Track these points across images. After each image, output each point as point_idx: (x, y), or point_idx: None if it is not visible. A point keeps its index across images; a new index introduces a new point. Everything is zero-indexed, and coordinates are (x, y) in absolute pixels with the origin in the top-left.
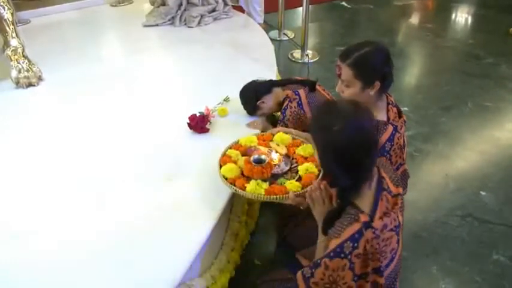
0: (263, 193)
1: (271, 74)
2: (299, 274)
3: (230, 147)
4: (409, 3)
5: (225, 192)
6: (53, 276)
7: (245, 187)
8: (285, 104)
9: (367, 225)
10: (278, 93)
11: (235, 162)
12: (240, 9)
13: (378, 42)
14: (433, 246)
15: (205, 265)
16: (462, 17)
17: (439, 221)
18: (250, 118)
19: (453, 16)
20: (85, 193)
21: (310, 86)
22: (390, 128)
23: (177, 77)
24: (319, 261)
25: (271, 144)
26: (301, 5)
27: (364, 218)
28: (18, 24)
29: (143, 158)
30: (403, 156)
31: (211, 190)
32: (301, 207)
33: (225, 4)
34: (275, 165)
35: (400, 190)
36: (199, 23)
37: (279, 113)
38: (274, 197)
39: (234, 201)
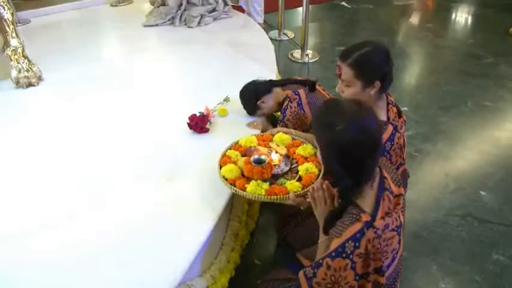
0: (264, 193)
1: (271, 74)
2: (301, 274)
3: (230, 148)
4: (409, 3)
5: (225, 192)
6: (53, 276)
7: (245, 188)
8: (285, 104)
9: (369, 224)
10: (278, 93)
11: (235, 163)
12: (240, 9)
13: (377, 42)
14: (433, 246)
15: (205, 265)
16: (462, 17)
17: (439, 221)
18: (250, 118)
19: (453, 16)
20: (85, 193)
21: (310, 86)
22: (390, 128)
23: (177, 77)
24: (320, 261)
25: (271, 144)
26: (301, 5)
27: (365, 217)
28: (18, 24)
29: (143, 158)
30: (403, 156)
31: (211, 190)
32: (302, 208)
33: (225, 4)
34: (275, 165)
35: (402, 191)
36: (199, 23)
37: (279, 113)
38: (275, 197)
39: (234, 201)
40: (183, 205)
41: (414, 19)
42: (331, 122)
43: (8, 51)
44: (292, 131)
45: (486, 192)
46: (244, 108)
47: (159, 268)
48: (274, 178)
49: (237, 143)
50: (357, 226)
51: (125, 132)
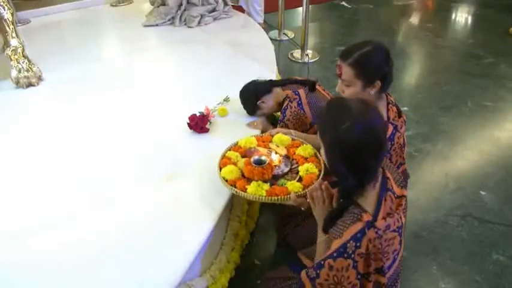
0: (264, 194)
1: (271, 74)
2: (303, 274)
3: (229, 149)
4: (409, 3)
5: (225, 192)
6: (53, 276)
7: (246, 189)
8: (285, 104)
9: (370, 224)
10: (278, 93)
11: (235, 164)
12: (240, 9)
13: (377, 42)
14: (433, 246)
15: (205, 265)
16: (462, 17)
17: (439, 221)
18: (250, 118)
19: (453, 16)
20: (85, 193)
21: (310, 86)
22: (390, 128)
23: (177, 76)
24: (322, 262)
25: (271, 145)
26: (301, 5)
27: (367, 217)
28: (18, 24)
29: (143, 158)
30: (403, 156)
31: (211, 190)
32: (302, 208)
33: (225, 4)
34: (275, 166)
35: (405, 192)
36: (199, 23)
37: (279, 113)
38: (276, 198)
39: (234, 201)
40: (183, 205)
41: (414, 19)
42: (337, 120)
43: (8, 51)
44: (292, 131)
45: (486, 192)
46: (244, 108)
47: (159, 268)
48: (274, 179)
49: (236, 144)
50: (358, 226)
51: (125, 132)
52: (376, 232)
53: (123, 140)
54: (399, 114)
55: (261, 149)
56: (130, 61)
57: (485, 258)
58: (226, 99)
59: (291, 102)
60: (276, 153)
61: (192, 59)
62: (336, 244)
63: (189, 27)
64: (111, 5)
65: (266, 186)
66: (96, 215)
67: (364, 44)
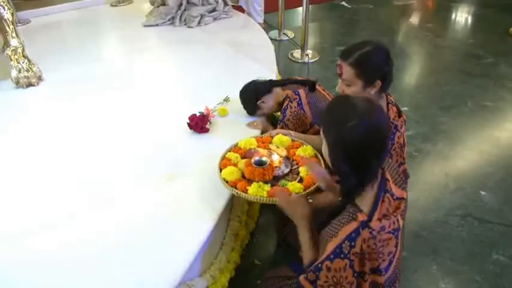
0: (265, 195)
1: (271, 74)
2: (302, 278)
3: (229, 150)
4: (409, 3)
5: (225, 192)
6: (53, 276)
7: (247, 190)
8: (285, 104)
9: (364, 224)
10: (278, 93)
11: (235, 165)
12: (240, 9)
13: (378, 42)
14: (433, 246)
15: (205, 265)
16: (462, 17)
17: (439, 221)
18: (250, 118)
19: (453, 16)
20: (85, 193)
21: (310, 86)
22: (391, 127)
23: (177, 76)
24: (320, 264)
25: (271, 146)
26: (301, 5)
27: (362, 217)
28: (18, 24)
29: (143, 158)
30: (403, 155)
31: (211, 190)
32: None
33: (225, 4)
34: (276, 167)
35: (405, 194)
36: (199, 23)
37: (279, 113)
38: (277, 199)
39: (234, 201)
40: (183, 205)
41: (414, 19)
42: (342, 119)
43: (8, 51)
44: (292, 132)
45: (486, 192)
46: (244, 108)
47: (159, 268)
48: (275, 180)
49: (236, 145)
50: (353, 225)
51: (125, 132)
52: (371, 233)
53: (123, 140)
54: (399, 114)
55: (261, 150)
56: (130, 61)
57: (485, 258)
58: (226, 99)
59: (291, 102)
60: (276, 154)
61: (192, 59)
62: (332, 245)
63: (189, 27)
64: (111, 5)
65: (267, 187)
66: (96, 215)
67: (365, 44)
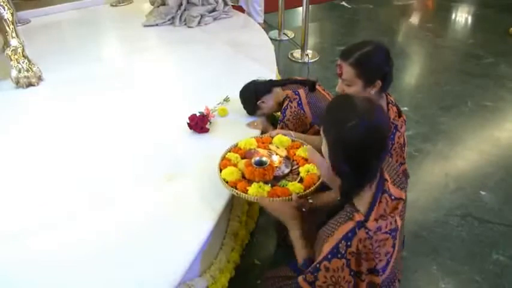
0: (266, 196)
1: (271, 74)
2: (300, 279)
3: (229, 151)
4: (409, 3)
5: (225, 192)
6: (53, 276)
7: (247, 190)
8: (285, 104)
9: (361, 224)
10: (278, 93)
11: (235, 165)
12: (240, 9)
13: (378, 42)
14: (433, 246)
15: (205, 265)
16: (462, 17)
17: (439, 221)
18: (250, 118)
19: (453, 16)
20: (85, 193)
21: (310, 85)
22: (391, 127)
23: (177, 76)
24: (318, 265)
25: (271, 146)
26: (301, 5)
27: (358, 217)
28: (18, 24)
29: (143, 158)
30: (403, 155)
31: (211, 190)
32: (304, 209)
33: (225, 4)
34: (276, 167)
35: (403, 195)
36: (199, 23)
37: (279, 113)
38: (277, 199)
39: (233, 201)
40: (183, 205)
41: (414, 19)
42: (342, 118)
43: (8, 51)
44: (292, 132)
45: (486, 192)
46: (244, 108)
47: (159, 268)
48: (275, 180)
49: (236, 145)
50: (350, 225)
51: (125, 132)
52: (367, 233)
53: (123, 140)
54: (399, 113)
55: (261, 151)
56: (130, 61)
57: (485, 258)
58: (226, 99)
59: (291, 102)
60: (276, 154)
61: (192, 59)
62: (328, 246)
63: (189, 27)
64: (111, 5)
65: (267, 187)
66: (96, 215)
67: (365, 44)
